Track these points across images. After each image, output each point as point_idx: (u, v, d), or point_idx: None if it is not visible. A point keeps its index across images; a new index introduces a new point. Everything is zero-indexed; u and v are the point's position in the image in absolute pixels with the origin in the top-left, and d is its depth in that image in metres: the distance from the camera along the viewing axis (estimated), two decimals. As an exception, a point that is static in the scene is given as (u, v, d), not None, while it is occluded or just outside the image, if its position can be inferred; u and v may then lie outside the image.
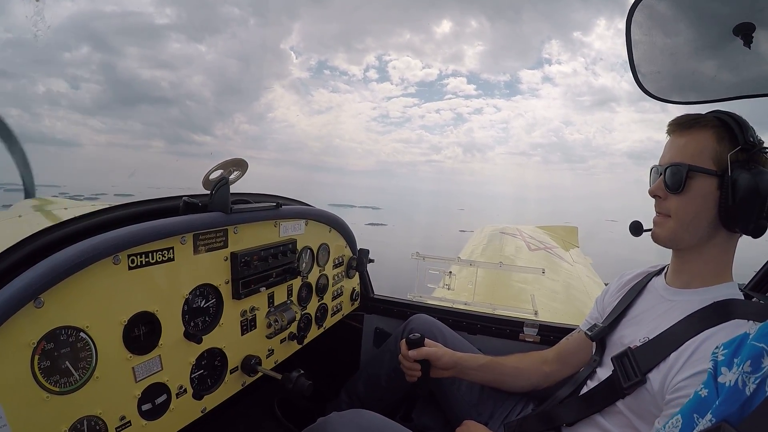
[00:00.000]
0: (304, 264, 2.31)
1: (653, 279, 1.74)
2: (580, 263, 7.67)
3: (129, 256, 1.41)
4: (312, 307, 2.41)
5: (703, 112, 1.54)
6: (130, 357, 1.43)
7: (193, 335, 1.62)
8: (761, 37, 1.48)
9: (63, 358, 1.25)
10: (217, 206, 1.72)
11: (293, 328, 2.24)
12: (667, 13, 1.60)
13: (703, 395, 0.89)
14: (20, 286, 1.14)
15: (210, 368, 1.77)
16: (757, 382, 0.77)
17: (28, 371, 1.17)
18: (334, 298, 2.62)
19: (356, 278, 2.85)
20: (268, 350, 2.08)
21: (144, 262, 1.46)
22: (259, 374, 1.95)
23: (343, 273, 2.69)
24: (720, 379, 0.87)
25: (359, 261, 2.74)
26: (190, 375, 1.67)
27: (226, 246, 1.78)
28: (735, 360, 0.85)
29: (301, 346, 2.29)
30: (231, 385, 1.87)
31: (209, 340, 1.73)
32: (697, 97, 1.78)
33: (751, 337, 0.85)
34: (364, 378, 2.54)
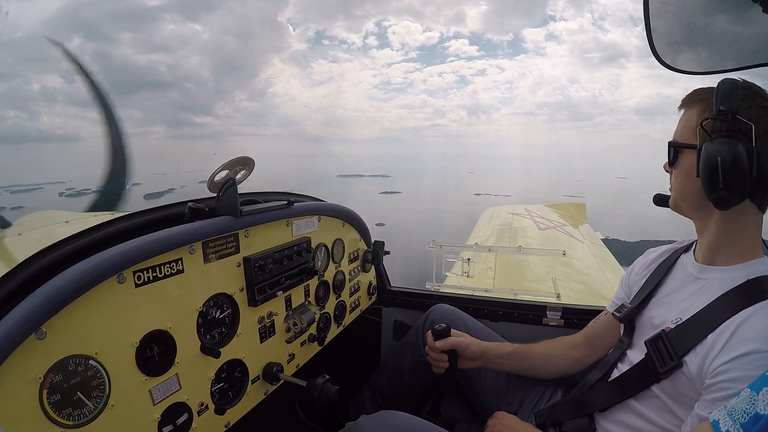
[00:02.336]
0: (319, 262, 2.18)
1: (681, 256, 1.64)
2: (591, 239, 7.51)
3: (135, 272, 1.29)
4: (330, 306, 2.30)
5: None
6: (146, 380, 1.31)
7: (210, 349, 1.50)
8: None
9: (74, 389, 1.14)
10: (225, 210, 1.59)
11: (313, 329, 2.12)
12: None
13: None
14: (18, 319, 1.02)
15: (230, 381, 1.66)
16: None
17: (38, 408, 1.06)
18: (351, 294, 2.50)
19: (372, 271, 2.73)
20: (289, 355, 1.97)
21: (151, 278, 1.34)
22: (282, 381, 1.84)
23: (359, 267, 2.57)
24: None
25: (375, 254, 2.61)
26: (211, 390, 1.56)
27: (237, 251, 1.66)
28: None
29: (321, 347, 2.18)
30: (253, 396, 1.76)
31: (228, 352, 1.62)
32: (715, 66, 1.64)
33: None
34: (387, 373, 2.44)
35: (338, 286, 2.33)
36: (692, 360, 1.29)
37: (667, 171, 1.54)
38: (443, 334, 1.98)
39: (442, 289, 2.92)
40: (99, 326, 1.19)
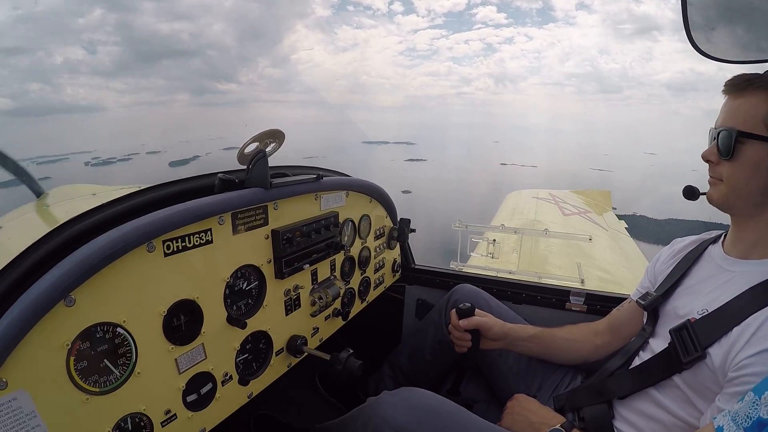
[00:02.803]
0: (346, 237, 2.15)
1: (709, 247, 1.59)
2: (615, 227, 7.33)
3: (164, 242, 1.27)
4: (355, 281, 2.27)
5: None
6: (172, 348, 1.31)
7: (236, 320, 1.49)
8: None
9: (101, 357, 1.13)
10: (255, 182, 1.56)
11: (337, 304, 2.11)
12: None
13: None
14: (48, 285, 1.01)
15: (255, 352, 1.66)
16: None
17: (65, 374, 1.06)
18: (376, 270, 2.47)
19: (397, 249, 2.70)
20: (313, 329, 1.96)
21: (180, 247, 1.32)
22: (305, 354, 1.83)
23: (385, 244, 2.53)
24: None
25: (400, 231, 2.57)
26: (235, 360, 1.55)
27: (266, 223, 1.63)
28: None
29: (345, 322, 2.16)
30: (277, 368, 1.75)
31: (253, 323, 1.61)
32: (754, 55, 1.60)
33: None
34: (408, 351, 2.43)
35: (363, 262, 2.31)
36: (716, 352, 1.27)
37: (709, 161, 1.42)
38: (467, 313, 1.95)
39: (465, 270, 2.88)
40: (127, 294, 1.18)
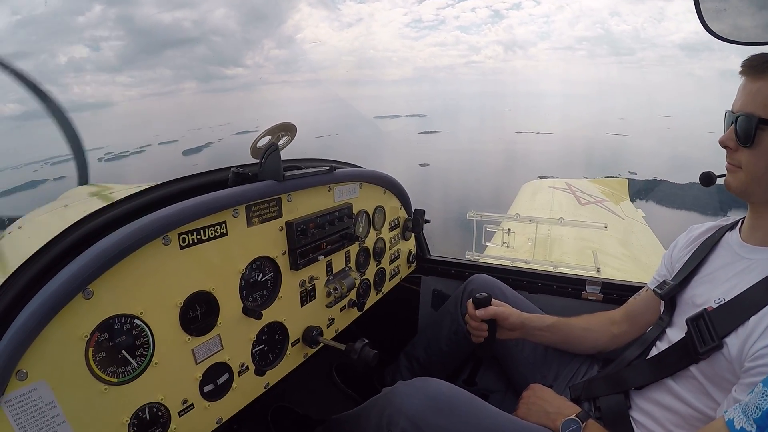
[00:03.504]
0: (360, 228, 2.15)
1: (727, 234, 1.54)
2: (632, 216, 7.20)
3: (179, 234, 1.27)
4: (370, 272, 2.27)
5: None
6: (189, 339, 1.32)
7: (252, 311, 1.49)
8: None
9: (119, 348, 1.14)
10: (268, 174, 1.56)
11: (353, 294, 2.10)
12: None
13: None
14: (66, 278, 1.01)
15: (271, 343, 1.66)
16: None
17: (83, 365, 1.07)
18: (391, 261, 2.46)
19: (412, 240, 2.68)
20: (329, 319, 1.96)
21: (196, 240, 1.32)
22: (321, 345, 1.83)
23: (399, 235, 2.52)
24: None
25: (415, 222, 2.55)
26: (252, 351, 1.56)
27: (280, 215, 1.63)
28: None
29: (360, 312, 2.16)
30: (293, 358, 1.76)
31: (269, 314, 1.61)
32: (760, 37, 1.50)
33: None
34: (424, 342, 2.41)
35: (378, 253, 2.30)
36: (733, 342, 1.23)
37: (727, 147, 1.36)
38: (484, 303, 1.92)
39: (481, 259, 2.84)
40: (144, 287, 1.19)
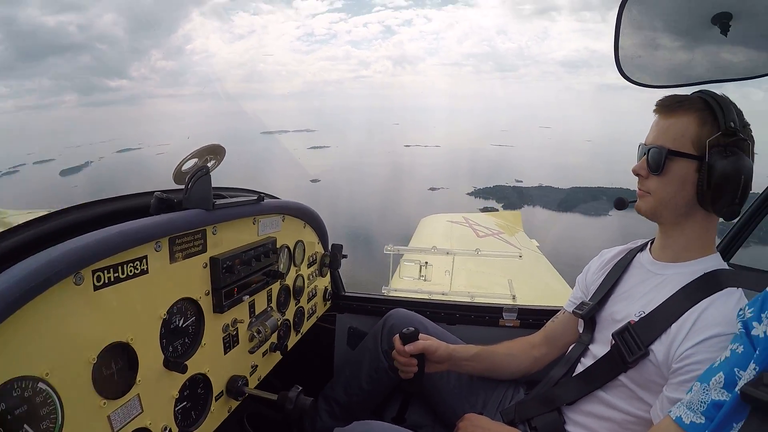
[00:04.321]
0: (282, 265, 1.96)
1: (638, 255, 1.69)
2: (527, 246, 7.68)
3: (94, 272, 1.03)
4: (290, 312, 2.07)
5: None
6: (105, 403, 1.05)
7: (175, 363, 1.25)
8: (737, 26, 1.49)
9: (19, 421, 0.86)
10: (195, 202, 1.35)
11: (274, 337, 1.89)
12: (656, 2, 1.60)
13: (739, 351, 0.97)
14: None
15: (193, 398, 1.40)
16: None
17: None
18: (309, 299, 2.28)
19: (328, 276, 2.53)
20: (252, 366, 1.73)
21: (113, 279, 1.08)
22: (246, 396, 1.60)
23: (317, 271, 2.36)
24: (753, 333, 0.96)
25: (333, 258, 2.42)
26: (174, 410, 1.30)
27: (204, 250, 1.42)
28: (762, 315, 0.95)
29: (282, 356, 1.95)
30: (217, 414, 1.51)
31: (192, 365, 1.36)
32: (673, 81, 1.73)
33: None
34: (343, 382, 2.26)
35: (298, 291, 2.11)
36: (658, 348, 1.36)
37: (639, 174, 1.50)
38: (412, 337, 1.85)
39: (396, 294, 2.78)
40: (51, 339, 0.92)
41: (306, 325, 2.25)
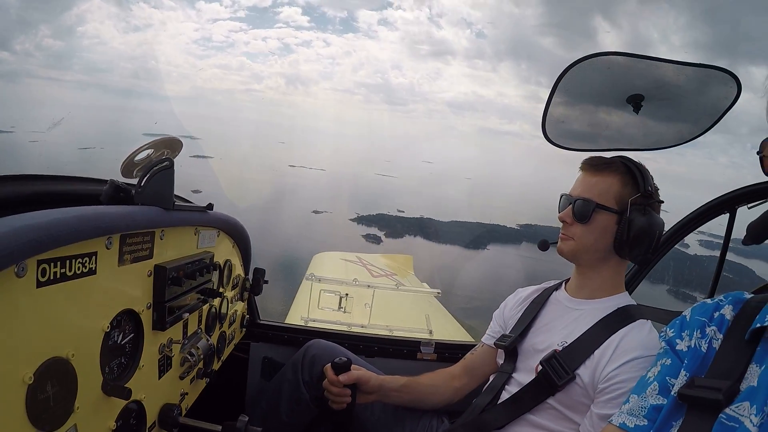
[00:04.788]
0: (214, 284, 1.75)
1: (554, 293, 1.84)
2: (418, 288, 7.77)
3: (39, 263, 0.82)
4: (215, 337, 1.85)
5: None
6: None
7: (118, 389, 1.03)
8: (647, 106, 1.76)
9: None
10: (152, 198, 1.17)
11: (201, 363, 1.67)
12: (585, 79, 1.74)
13: (668, 363, 1.12)
14: None
15: (125, 430, 1.16)
16: (707, 342, 1.07)
17: None
18: (230, 324, 2.07)
19: (244, 302, 2.32)
20: (181, 394, 1.50)
21: (59, 275, 0.87)
22: (177, 429, 1.37)
23: (238, 295, 2.15)
24: (677, 348, 1.12)
25: (255, 283, 2.23)
26: None
27: (150, 256, 1.22)
28: (683, 333, 1.13)
29: (206, 384, 1.73)
30: None
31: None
32: (588, 146, 1.98)
33: (689, 317, 1.15)
34: (259, 415, 2.07)
35: (223, 314, 1.90)
36: (584, 372, 1.49)
37: (564, 221, 1.67)
38: (344, 367, 1.79)
39: (315, 325, 2.65)
40: None
41: (226, 352, 2.03)
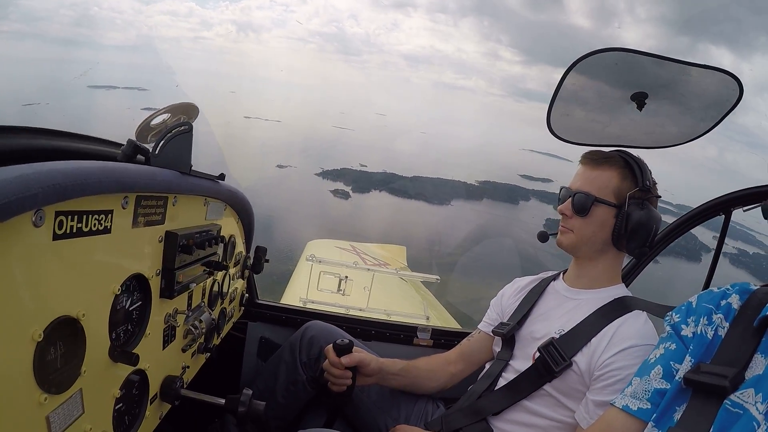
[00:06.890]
0: (220, 257, 1.68)
1: (551, 283, 1.82)
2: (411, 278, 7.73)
3: (57, 214, 0.74)
4: (216, 312, 1.77)
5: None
6: (46, 399, 0.74)
7: (126, 355, 0.95)
8: (650, 105, 1.72)
9: None
10: (169, 162, 1.08)
11: (202, 338, 1.59)
12: (592, 73, 1.72)
13: (672, 348, 1.12)
14: None
15: (128, 400, 1.08)
16: (714, 329, 1.06)
17: None
18: (230, 302, 1.99)
19: (244, 280, 2.24)
20: (182, 368, 1.43)
21: (75, 230, 0.79)
22: (179, 401, 1.30)
23: (239, 273, 2.07)
24: (682, 333, 1.12)
25: (256, 260, 2.15)
26: (113, 413, 0.99)
27: (163, 221, 1.14)
28: (689, 319, 1.13)
29: (206, 359, 1.65)
30: (150, 421, 1.19)
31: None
32: (589, 141, 1.91)
33: (695, 303, 1.14)
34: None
35: (225, 291, 1.82)
36: (580, 359, 1.48)
37: (564, 214, 1.65)
38: (347, 349, 1.72)
39: (314, 306, 2.58)
40: None
41: (225, 329, 1.95)
